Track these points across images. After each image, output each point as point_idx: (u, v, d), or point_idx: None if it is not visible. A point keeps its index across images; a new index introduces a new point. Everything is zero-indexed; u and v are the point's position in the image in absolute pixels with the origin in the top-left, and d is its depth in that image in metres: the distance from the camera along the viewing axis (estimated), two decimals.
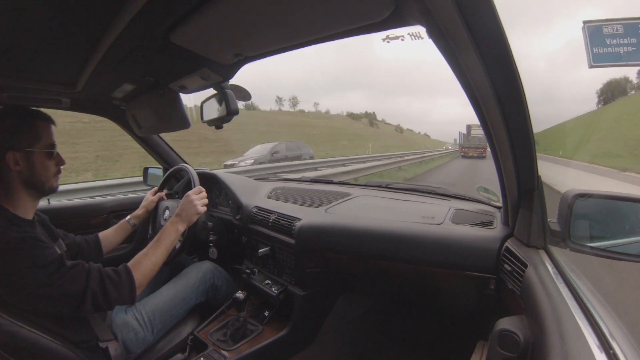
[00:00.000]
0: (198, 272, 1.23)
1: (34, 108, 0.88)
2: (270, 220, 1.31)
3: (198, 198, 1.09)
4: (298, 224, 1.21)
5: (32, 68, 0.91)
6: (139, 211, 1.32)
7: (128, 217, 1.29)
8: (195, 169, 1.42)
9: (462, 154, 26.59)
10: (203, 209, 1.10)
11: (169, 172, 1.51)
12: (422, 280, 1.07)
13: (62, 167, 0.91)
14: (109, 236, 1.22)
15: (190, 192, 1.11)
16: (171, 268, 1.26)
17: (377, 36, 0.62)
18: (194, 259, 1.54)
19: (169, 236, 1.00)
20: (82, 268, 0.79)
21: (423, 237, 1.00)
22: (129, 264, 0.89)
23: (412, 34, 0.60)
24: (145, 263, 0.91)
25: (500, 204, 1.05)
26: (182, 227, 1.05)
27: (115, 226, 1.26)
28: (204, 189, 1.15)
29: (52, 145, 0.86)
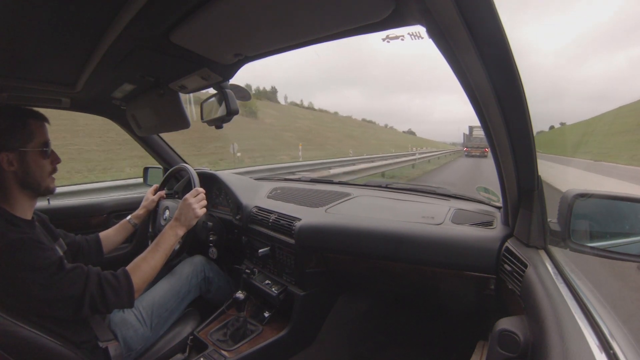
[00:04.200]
0: (190, 266, 1.25)
1: (27, 107, 0.87)
2: (270, 220, 1.31)
3: (196, 201, 1.09)
4: (298, 224, 1.21)
5: (32, 68, 0.91)
6: (139, 211, 1.32)
7: (129, 217, 1.29)
8: (195, 169, 1.42)
9: (465, 153, 28.60)
10: (202, 211, 1.10)
11: (169, 172, 1.52)
12: (422, 280, 1.07)
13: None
14: (110, 236, 1.22)
15: (188, 196, 1.10)
16: (169, 265, 1.27)
17: (377, 34, 0.61)
18: None
19: (168, 240, 1.00)
20: (81, 271, 0.79)
21: (423, 237, 1.00)
22: (128, 267, 0.89)
23: (412, 34, 0.60)
24: (144, 267, 0.91)
25: (500, 204, 1.05)
26: (181, 232, 1.05)
27: (116, 226, 1.26)
28: (202, 191, 1.14)
29: (46, 144, 0.85)
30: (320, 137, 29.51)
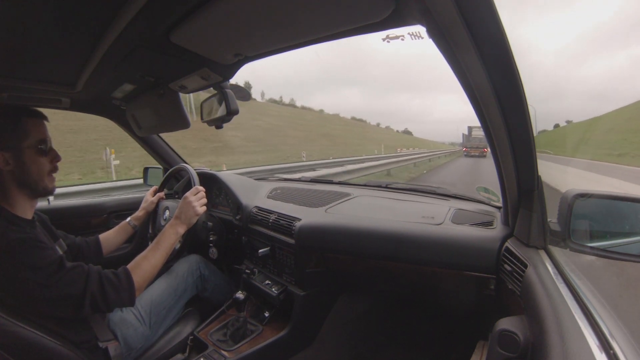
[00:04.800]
0: (186, 264, 1.26)
1: (22, 105, 0.87)
2: (270, 220, 1.31)
3: (196, 199, 1.09)
4: (298, 224, 1.21)
5: (32, 68, 0.91)
6: (139, 213, 1.32)
7: (128, 218, 1.29)
8: (195, 169, 1.42)
9: (465, 153, 28.93)
10: (202, 209, 1.10)
11: (169, 172, 1.52)
12: (422, 280, 1.07)
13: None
14: (110, 238, 1.22)
15: (188, 194, 1.11)
16: (166, 266, 1.27)
17: (376, 34, 0.62)
18: None
19: (169, 239, 1.00)
20: (82, 270, 0.79)
21: (423, 237, 1.00)
22: (129, 266, 0.89)
23: (412, 34, 0.60)
24: (144, 266, 0.91)
25: (500, 204, 1.05)
26: (181, 230, 1.05)
27: (115, 228, 1.26)
28: (202, 189, 1.15)
29: (43, 141, 0.84)
30: (281, 136, 24.40)
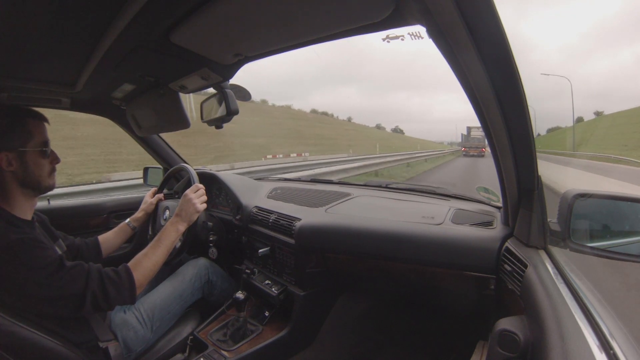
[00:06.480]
0: (193, 269, 1.24)
1: (25, 106, 0.87)
2: (270, 220, 1.31)
3: (196, 196, 1.09)
4: (298, 224, 1.21)
5: (32, 68, 0.91)
6: (138, 214, 1.32)
7: (128, 220, 1.28)
8: (195, 169, 1.42)
9: (463, 153, 29.28)
10: (202, 206, 1.10)
11: (168, 172, 1.52)
12: (422, 280, 1.07)
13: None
14: (109, 239, 1.22)
15: (188, 191, 1.10)
16: (172, 267, 1.26)
17: (376, 34, 0.62)
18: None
19: (169, 236, 1.00)
20: (82, 269, 0.79)
21: (423, 237, 1.00)
22: (129, 264, 0.89)
23: (412, 34, 0.60)
24: (145, 263, 0.91)
25: (500, 204, 1.05)
26: (182, 227, 1.05)
27: (115, 229, 1.26)
28: (202, 187, 1.14)
29: (45, 143, 0.85)
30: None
